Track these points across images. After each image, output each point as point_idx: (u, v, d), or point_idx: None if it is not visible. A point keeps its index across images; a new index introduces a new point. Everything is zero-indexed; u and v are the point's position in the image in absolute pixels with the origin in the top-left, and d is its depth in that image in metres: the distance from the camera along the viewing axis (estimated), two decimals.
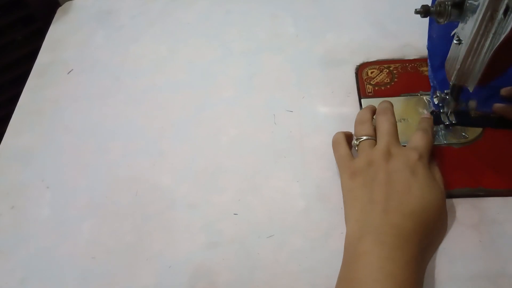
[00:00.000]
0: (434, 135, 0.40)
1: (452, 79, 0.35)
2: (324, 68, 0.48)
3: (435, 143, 0.39)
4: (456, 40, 0.32)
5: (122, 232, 0.39)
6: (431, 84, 0.43)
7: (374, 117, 0.40)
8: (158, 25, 0.57)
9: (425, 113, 0.42)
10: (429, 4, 0.33)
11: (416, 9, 0.33)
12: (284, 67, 0.50)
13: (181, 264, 0.36)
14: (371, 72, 0.47)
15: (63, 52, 0.56)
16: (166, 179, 0.42)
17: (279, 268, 0.35)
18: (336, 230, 0.36)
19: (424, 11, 0.33)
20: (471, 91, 0.34)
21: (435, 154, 0.38)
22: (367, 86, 0.45)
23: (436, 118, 0.40)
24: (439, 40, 0.42)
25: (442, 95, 0.39)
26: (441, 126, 0.40)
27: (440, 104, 0.40)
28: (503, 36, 0.27)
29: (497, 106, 0.40)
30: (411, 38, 0.49)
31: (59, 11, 0.62)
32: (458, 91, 0.37)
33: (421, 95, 0.43)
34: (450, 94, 0.38)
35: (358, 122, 0.39)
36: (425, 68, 0.46)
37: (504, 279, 0.32)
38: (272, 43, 0.52)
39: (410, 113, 0.42)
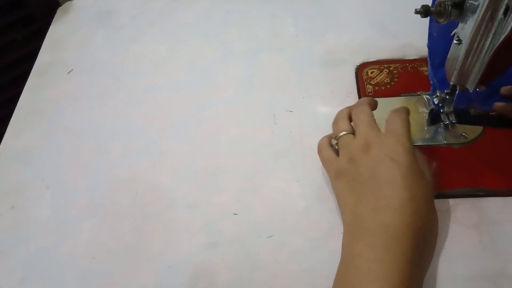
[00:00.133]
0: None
1: (452, 79, 0.35)
2: (324, 68, 0.48)
3: (435, 143, 0.39)
4: (456, 40, 0.32)
5: (122, 232, 0.39)
6: (431, 83, 0.43)
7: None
8: (158, 25, 0.57)
9: (425, 111, 0.41)
10: (429, 4, 0.33)
11: (416, 9, 0.33)
12: (284, 67, 0.50)
13: (181, 264, 0.36)
14: (371, 72, 0.46)
15: (63, 52, 0.56)
16: (166, 179, 0.42)
17: (279, 268, 0.35)
18: (336, 230, 0.36)
19: (424, 11, 0.32)
20: (471, 91, 0.34)
21: (435, 154, 0.38)
22: (367, 86, 0.45)
23: (435, 116, 0.40)
24: (440, 38, 0.42)
25: (442, 95, 0.39)
26: (441, 126, 0.40)
27: (440, 104, 0.40)
28: (503, 36, 0.27)
29: (497, 105, 0.40)
30: (411, 38, 0.49)
31: (59, 11, 0.63)
32: (453, 91, 0.37)
33: (421, 94, 0.43)
34: (450, 94, 0.38)
35: (333, 123, 0.39)
36: (425, 68, 0.46)
37: (504, 279, 0.32)
38: (272, 43, 0.52)
39: (410, 113, 0.42)
